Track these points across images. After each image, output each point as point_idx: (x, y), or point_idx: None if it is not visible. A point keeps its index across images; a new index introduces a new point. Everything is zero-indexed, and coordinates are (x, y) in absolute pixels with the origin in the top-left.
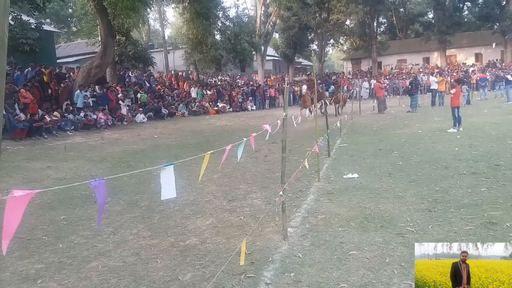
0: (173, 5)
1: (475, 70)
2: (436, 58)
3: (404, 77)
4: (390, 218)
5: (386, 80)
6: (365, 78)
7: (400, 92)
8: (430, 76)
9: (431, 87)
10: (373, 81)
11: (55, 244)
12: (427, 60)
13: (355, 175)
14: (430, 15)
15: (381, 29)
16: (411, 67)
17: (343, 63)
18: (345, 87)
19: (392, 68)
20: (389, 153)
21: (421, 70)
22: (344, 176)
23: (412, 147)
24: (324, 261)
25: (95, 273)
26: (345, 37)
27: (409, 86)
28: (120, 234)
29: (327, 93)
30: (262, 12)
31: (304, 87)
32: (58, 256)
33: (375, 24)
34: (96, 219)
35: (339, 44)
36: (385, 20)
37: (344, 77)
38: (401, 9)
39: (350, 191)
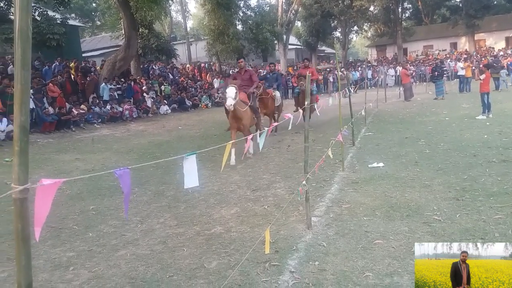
0: None
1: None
2: (464, 43)
3: (430, 63)
4: (417, 207)
5: (412, 67)
6: (391, 65)
7: (427, 79)
8: (457, 62)
9: (458, 73)
10: (399, 68)
11: (85, 233)
12: (454, 45)
13: (381, 164)
14: None
15: (406, 15)
16: (438, 53)
17: (367, 50)
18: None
19: (418, 55)
20: (415, 141)
21: (448, 55)
22: (369, 165)
23: (439, 135)
24: (349, 250)
25: (124, 261)
26: (369, 23)
27: (436, 73)
28: (147, 223)
29: (277, 94)
30: (284, 0)
31: (232, 92)
32: (88, 244)
33: (399, 9)
34: (124, 209)
35: (363, 31)
36: (410, 5)
37: (311, 67)
38: None
39: (375, 180)
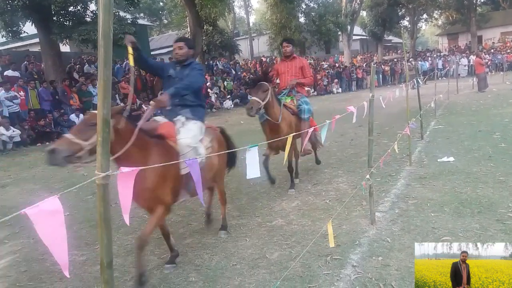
0: None
1: None
2: None
3: (508, 51)
4: (489, 204)
5: (487, 56)
6: (463, 54)
7: (504, 68)
8: None
9: None
10: (472, 57)
11: None
12: None
13: (451, 159)
14: None
15: (481, 0)
16: None
17: (437, 38)
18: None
19: (494, 42)
20: (489, 135)
21: None
22: (438, 160)
23: None
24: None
25: (190, 249)
26: (439, 11)
27: None
28: (212, 213)
29: (190, 130)
30: None
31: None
32: (158, 233)
33: None
34: (189, 200)
35: (433, 19)
36: None
37: (298, 56)
38: None
39: (444, 176)
